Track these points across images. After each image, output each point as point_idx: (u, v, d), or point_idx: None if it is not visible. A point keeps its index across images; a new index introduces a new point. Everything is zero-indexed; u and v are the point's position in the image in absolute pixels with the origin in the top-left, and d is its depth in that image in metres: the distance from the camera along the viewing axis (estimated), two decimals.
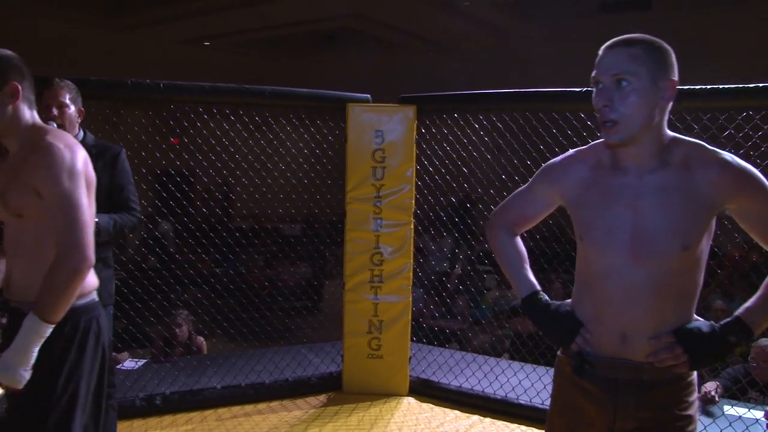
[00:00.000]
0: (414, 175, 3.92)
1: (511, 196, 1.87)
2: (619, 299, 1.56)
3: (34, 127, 1.90)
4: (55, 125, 2.33)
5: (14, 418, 1.88)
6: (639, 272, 1.53)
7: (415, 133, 3.89)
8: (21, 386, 1.77)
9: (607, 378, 1.58)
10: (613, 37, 1.55)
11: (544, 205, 1.79)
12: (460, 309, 6.38)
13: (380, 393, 3.92)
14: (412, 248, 3.96)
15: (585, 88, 3.30)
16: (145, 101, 4.02)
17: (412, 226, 3.95)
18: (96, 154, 2.55)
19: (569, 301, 1.71)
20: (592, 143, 1.70)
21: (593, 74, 1.53)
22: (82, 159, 1.87)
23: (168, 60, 11.05)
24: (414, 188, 3.93)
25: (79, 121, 2.73)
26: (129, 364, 4.28)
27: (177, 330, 4.77)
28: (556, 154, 1.79)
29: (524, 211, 1.83)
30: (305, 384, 3.97)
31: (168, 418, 3.51)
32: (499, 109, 4.00)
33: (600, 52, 1.53)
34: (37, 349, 1.77)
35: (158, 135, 5.08)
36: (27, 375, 1.77)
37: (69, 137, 1.90)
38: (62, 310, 1.79)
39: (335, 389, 3.99)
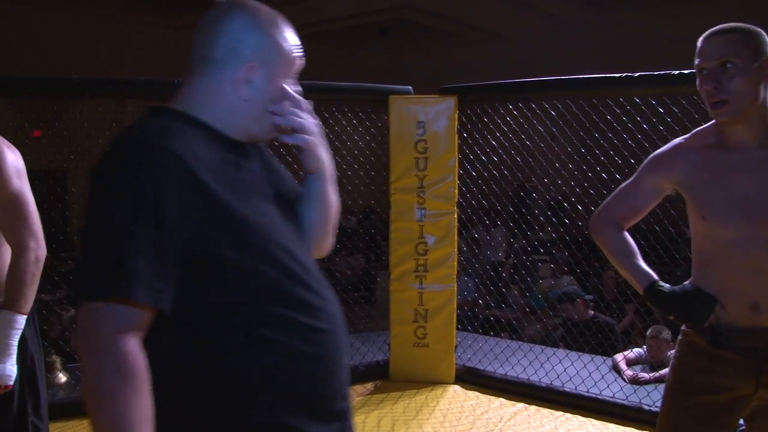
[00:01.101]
0: (456, 165, 3.95)
1: (615, 192, 1.92)
2: (746, 271, 1.65)
3: None
4: None
5: None
6: (762, 242, 1.63)
7: (456, 123, 3.92)
8: (11, 382, 1.84)
9: (747, 347, 1.65)
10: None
11: (654, 195, 1.86)
12: (515, 298, 6.37)
13: (426, 381, 3.98)
14: (456, 237, 4.00)
15: (630, 74, 3.26)
16: None
17: (455, 216, 3.98)
18: None
19: (687, 282, 1.77)
20: (693, 131, 1.80)
21: (697, 62, 1.65)
22: (20, 157, 1.98)
23: None
24: (456, 178, 3.96)
25: None
26: None
27: None
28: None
29: (635, 204, 1.88)
30: (353, 372, 4.02)
31: None
32: (541, 97, 3.99)
33: (699, 42, 1.66)
34: (16, 343, 1.86)
35: None
36: (15, 370, 1.85)
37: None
38: (32, 299, 1.90)
39: (382, 377, 4.06)
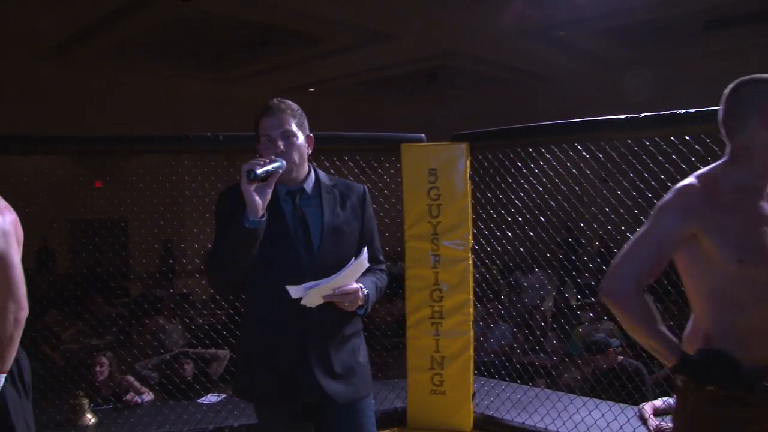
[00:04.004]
0: (470, 211, 3.96)
1: (632, 245, 1.75)
2: None
3: None
4: (280, 162, 1.98)
5: None
6: None
7: (469, 169, 3.94)
8: None
9: None
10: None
11: (678, 243, 1.72)
12: (552, 344, 6.25)
13: (444, 429, 3.93)
14: (471, 284, 3.98)
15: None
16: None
17: (470, 262, 3.98)
18: (341, 194, 2.17)
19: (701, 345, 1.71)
20: (702, 173, 1.78)
21: None
22: (10, 221, 2.08)
23: None
24: (470, 224, 3.96)
25: (309, 152, 2.15)
26: (212, 398, 4.56)
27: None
28: (661, 180, 1.85)
29: (660, 258, 1.73)
30: None
31: None
32: (549, 142, 3.97)
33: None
34: None
35: None
36: None
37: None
38: (11, 359, 2.02)
39: (400, 425, 4.04)
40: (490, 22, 9.39)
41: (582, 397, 4.13)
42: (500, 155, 4.33)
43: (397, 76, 12.42)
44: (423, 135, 4.08)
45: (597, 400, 3.99)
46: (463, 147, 3.92)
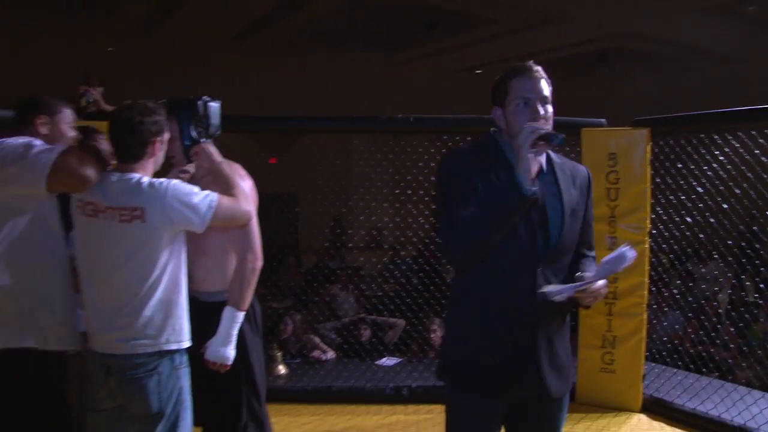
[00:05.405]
0: (648, 195, 3.99)
1: None
2: None
3: None
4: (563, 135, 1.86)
5: (218, 390, 2.46)
6: None
7: (649, 154, 3.97)
8: (230, 362, 2.35)
9: None
10: None
11: None
12: (726, 337, 6.04)
13: (612, 407, 4.03)
14: (647, 267, 4.03)
15: None
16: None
17: (647, 246, 4.02)
18: (571, 174, 2.08)
19: None
20: None
21: None
22: (249, 185, 2.50)
23: (441, 90, 11.91)
24: (648, 208, 4.00)
25: None
26: (388, 361, 4.94)
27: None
28: None
29: None
30: None
31: (412, 407, 4.06)
32: (736, 129, 3.90)
33: None
34: (236, 333, 2.38)
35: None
36: (233, 354, 2.36)
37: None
38: (248, 299, 2.43)
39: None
40: None
41: (759, 391, 4.06)
42: (682, 141, 4.30)
43: (565, 57, 12.20)
44: (603, 120, 4.15)
45: None
46: (645, 132, 3.95)
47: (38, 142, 2.19)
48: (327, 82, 11.94)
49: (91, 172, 2.10)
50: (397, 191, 5.60)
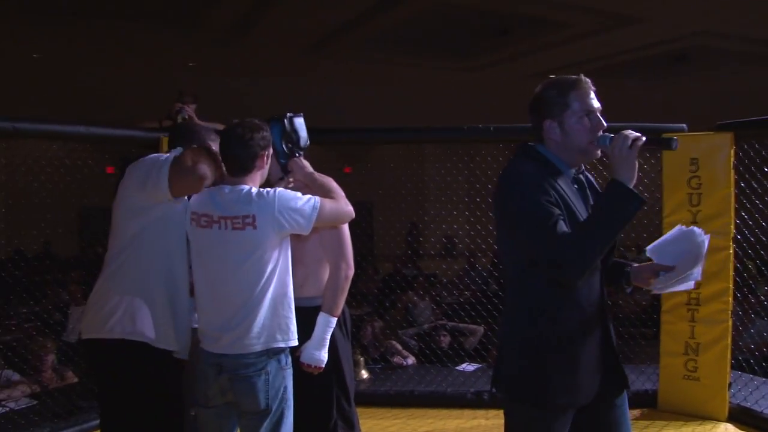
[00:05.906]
0: (732, 200, 3.94)
1: None
2: None
3: None
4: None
5: (315, 393, 2.60)
6: None
7: (733, 158, 3.92)
8: (323, 365, 2.48)
9: None
10: None
11: None
12: None
13: (696, 415, 3.99)
14: (731, 273, 3.97)
15: None
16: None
17: (731, 251, 3.96)
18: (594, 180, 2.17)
19: None
20: None
21: None
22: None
23: (515, 95, 11.85)
24: (732, 213, 3.95)
25: None
26: (468, 367, 5.02)
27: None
28: None
29: None
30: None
31: (493, 412, 4.13)
32: None
33: None
34: (329, 338, 2.51)
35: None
36: (326, 357, 2.50)
37: None
38: (341, 306, 2.57)
39: (649, 406, 4.16)
40: None
41: None
42: None
43: (642, 59, 11.96)
44: (684, 125, 4.13)
45: None
46: (728, 137, 3.91)
47: (165, 155, 2.39)
48: (404, 90, 12.08)
49: (204, 169, 2.29)
50: (469, 198, 5.65)
